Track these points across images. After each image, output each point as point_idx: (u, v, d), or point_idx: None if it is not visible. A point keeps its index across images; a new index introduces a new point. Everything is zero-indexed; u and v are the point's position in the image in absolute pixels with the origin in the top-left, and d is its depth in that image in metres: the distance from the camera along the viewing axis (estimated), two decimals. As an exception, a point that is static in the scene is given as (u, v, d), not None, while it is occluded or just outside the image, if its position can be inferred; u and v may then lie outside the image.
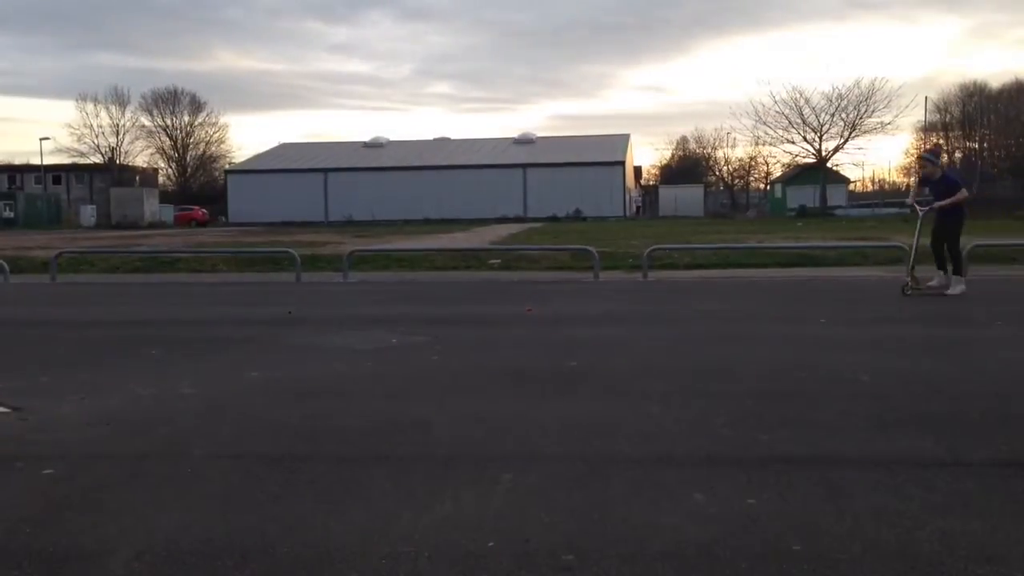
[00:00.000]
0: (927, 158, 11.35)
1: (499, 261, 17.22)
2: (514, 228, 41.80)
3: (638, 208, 72.90)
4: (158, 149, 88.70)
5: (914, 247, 10.74)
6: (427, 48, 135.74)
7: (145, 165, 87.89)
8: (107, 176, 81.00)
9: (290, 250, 16.50)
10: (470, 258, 17.66)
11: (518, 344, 7.47)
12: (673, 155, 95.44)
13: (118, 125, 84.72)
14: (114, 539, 2.98)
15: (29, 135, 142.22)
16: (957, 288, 10.58)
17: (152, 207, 65.23)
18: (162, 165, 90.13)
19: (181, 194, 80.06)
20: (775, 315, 9.15)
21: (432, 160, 69.03)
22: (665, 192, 74.27)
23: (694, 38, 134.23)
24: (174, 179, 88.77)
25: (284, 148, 77.27)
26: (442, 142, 76.29)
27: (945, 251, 10.79)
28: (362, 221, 59.45)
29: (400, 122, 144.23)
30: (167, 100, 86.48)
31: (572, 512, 3.21)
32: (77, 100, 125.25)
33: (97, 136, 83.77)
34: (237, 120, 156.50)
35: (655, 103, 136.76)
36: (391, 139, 77.54)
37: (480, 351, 7.11)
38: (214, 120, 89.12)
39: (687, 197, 70.58)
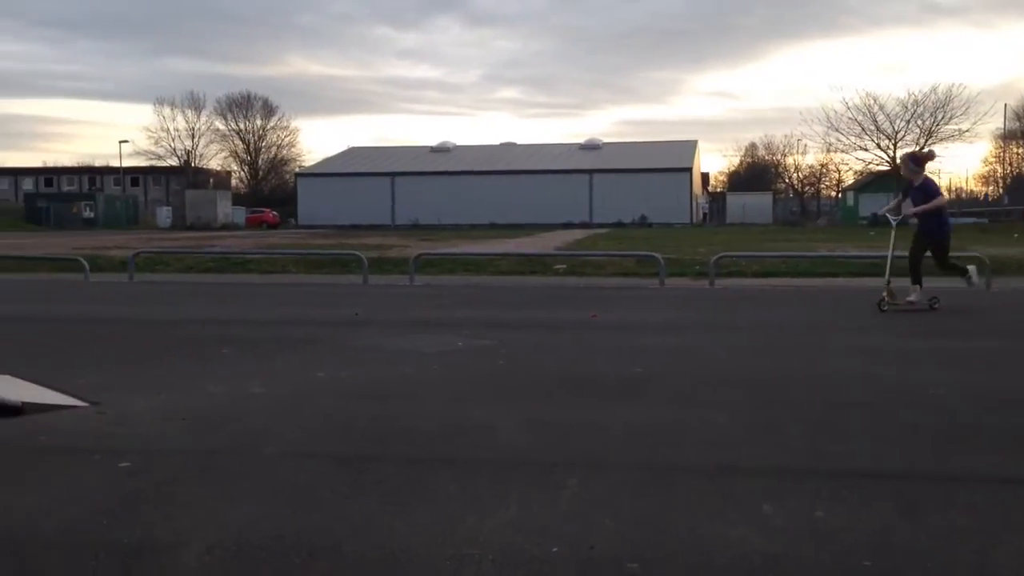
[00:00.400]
0: (915, 158, 10.28)
1: (564, 266, 17.20)
2: (579, 234, 41.73)
3: (705, 215, 72.22)
4: (231, 152, 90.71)
5: (889, 259, 10.05)
6: (494, 53, 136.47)
7: (219, 168, 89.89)
8: (182, 178, 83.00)
9: (358, 253, 16.71)
10: (535, 263, 17.67)
11: (583, 350, 7.45)
12: (741, 162, 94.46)
13: (194, 129, 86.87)
14: (186, 532, 3.04)
15: (109, 138, 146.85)
16: (912, 296, 9.90)
17: (225, 209, 66.63)
18: (235, 168, 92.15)
19: (253, 196, 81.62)
20: (844, 325, 8.97)
21: (498, 165, 69.30)
22: (733, 199, 73.47)
23: (765, 44, 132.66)
24: (246, 182, 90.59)
25: (353, 152, 78.31)
26: (508, 147, 76.56)
27: (920, 265, 9.95)
28: (428, 225, 59.92)
29: (467, 127, 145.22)
30: (240, 104, 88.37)
31: (637, 520, 3.19)
32: (155, 104, 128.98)
33: (173, 139, 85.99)
34: (307, 124, 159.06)
35: (724, 109, 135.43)
36: (458, 144, 78.06)
37: (545, 356, 7.10)
38: (285, 124, 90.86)
39: (755, 204, 69.74)
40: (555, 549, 2.90)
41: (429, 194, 66.66)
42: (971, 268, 10.17)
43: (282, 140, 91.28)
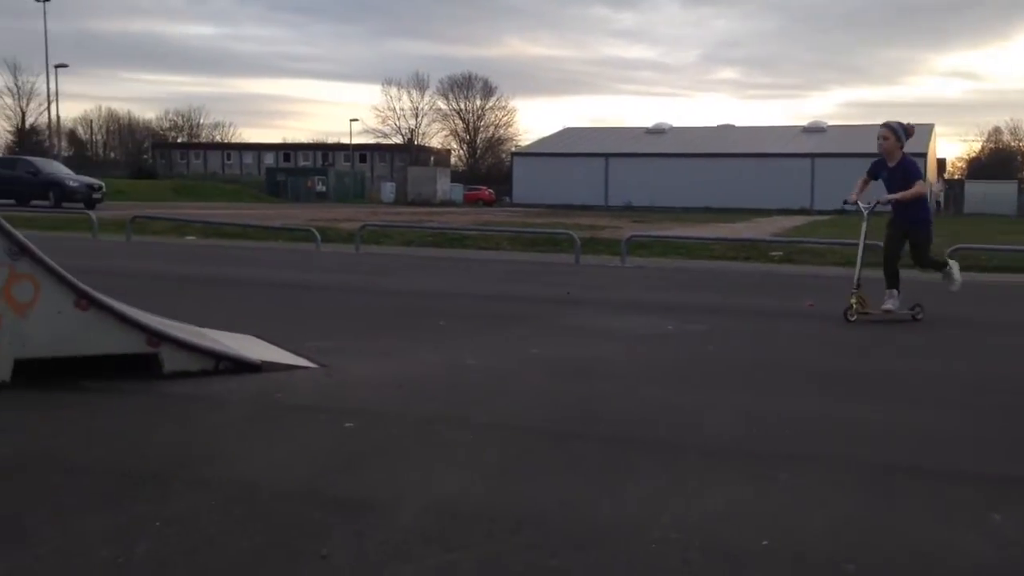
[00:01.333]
0: (892, 128, 8.13)
1: (781, 253, 16.64)
2: (798, 220, 40.19)
3: (939, 204, 67.65)
4: (452, 131, 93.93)
5: (859, 256, 8.22)
6: (713, 33, 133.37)
7: (439, 146, 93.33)
8: (406, 156, 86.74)
9: (570, 232, 16.85)
10: (750, 249, 17.19)
11: (796, 340, 7.20)
12: (983, 147, 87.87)
13: (417, 108, 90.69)
14: (403, 493, 3.20)
15: (341, 117, 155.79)
16: (888, 303, 8.09)
17: (444, 186, 69.06)
18: (454, 146, 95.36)
19: (470, 174, 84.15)
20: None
21: (715, 148, 67.79)
22: (972, 188, 68.43)
23: (1011, 20, 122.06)
24: (465, 160, 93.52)
25: (568, 132, 78.92)
26: (726, 129, 74.70)
27: (898, 264, 8.28)
28: (641, 207, 59.57)
29: (683, 108, 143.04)
30: (462, 85, 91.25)
31: (852, 520, 3.06)
32: (383, 85, 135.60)
33: (399, 118, 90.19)
34: (524, 104, 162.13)
35: (963, 91, 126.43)
36: (673, 125, 76.97)
37: (757, 344, 6.92)
38: (503, 104, 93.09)
39: (997, 194, 64.63)
40: (765, 543, 2.84)
41: (643, 176, 66.21)
42: (953, 264, 8.53)
43: (500, 120, 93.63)
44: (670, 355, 6.34)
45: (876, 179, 8.28)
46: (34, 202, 31.03)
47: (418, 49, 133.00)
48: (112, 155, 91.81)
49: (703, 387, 5.24)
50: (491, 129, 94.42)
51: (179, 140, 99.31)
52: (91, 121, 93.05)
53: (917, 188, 7.93)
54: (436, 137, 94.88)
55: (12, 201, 30.79)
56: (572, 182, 67.37)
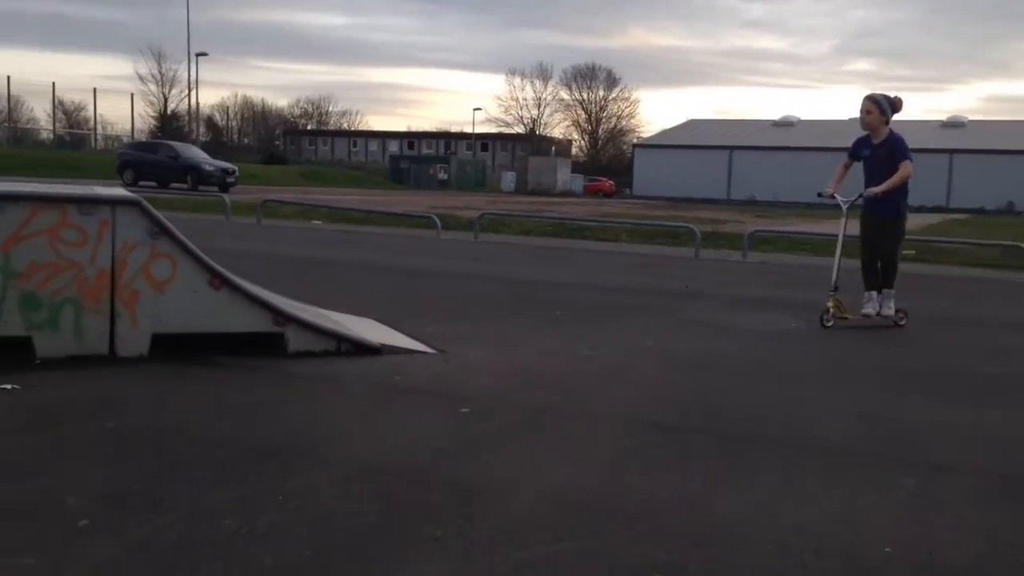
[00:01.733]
0: (876, 100, 7.17)
1: (913, 252, 15.99)
2: (933, 218, 38.52)
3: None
4: (573, 122, 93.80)
5: (837, 255, 7.37)
6: (848, 23, 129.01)
7: (561, 136, 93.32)
8: (527, 145, 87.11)
9: (691, 225, 16.61)
10: (880, 247, 16.56)
11: (928, 342, 6.91)
12: None
13: (540, 98, 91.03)
14: (516, 480, 3.22)
15: (464, 106, 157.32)
16: (891, 306, 7.28)
17: (564, 176, 69.02)
18: (575, 137, 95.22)
19: (591, 165, 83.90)
20: None
21: (845, 142, 64.94)
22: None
23: None
24: (585, 151, 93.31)
25: (692, 124, 77.74)
26: (858, 123, 72.15)
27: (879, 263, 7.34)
28: (765, 201, 58.23)
29: (813, 101, 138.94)
30: (585, 75, 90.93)
31: (983, 531, 2.92)
32: (507, 74, 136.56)
33: (521, 108, 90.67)
34: (647, 95, 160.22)
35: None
36: (802, 118, 74.86)
37: (887, 345, 6.67)
38: (626, 95, 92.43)
39: None
40: (887, 550, 2.73)
41: (768, 169, 64.64)
42: (892, 297, 7.33)
43: (622, 111, 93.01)
44: (791, 353, 6.18)
45: (858, 160, 7.37)
46: (173, 185, 32.49)
47: (543, 39, 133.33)
48: (246, 141, 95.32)
49: (825, 386, 5.09)
50: (613, 120, 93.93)
51: (308, 127, 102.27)
52: (227, 108, 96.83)
53: (903, 171, 6.92)
54: (558, 127, 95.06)
55: (154, 184, 32.34)
56: (694, 175, 66.34)
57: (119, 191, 5.07)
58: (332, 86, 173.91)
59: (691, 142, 70.90)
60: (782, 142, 67.78)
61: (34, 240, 4.49)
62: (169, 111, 78.44)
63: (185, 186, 32.42)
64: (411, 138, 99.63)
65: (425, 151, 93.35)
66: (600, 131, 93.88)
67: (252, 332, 4.99)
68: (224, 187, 32.14)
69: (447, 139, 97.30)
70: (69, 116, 70.33)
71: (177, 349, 4.81)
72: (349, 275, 9.76)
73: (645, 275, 11.26)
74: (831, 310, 7.07)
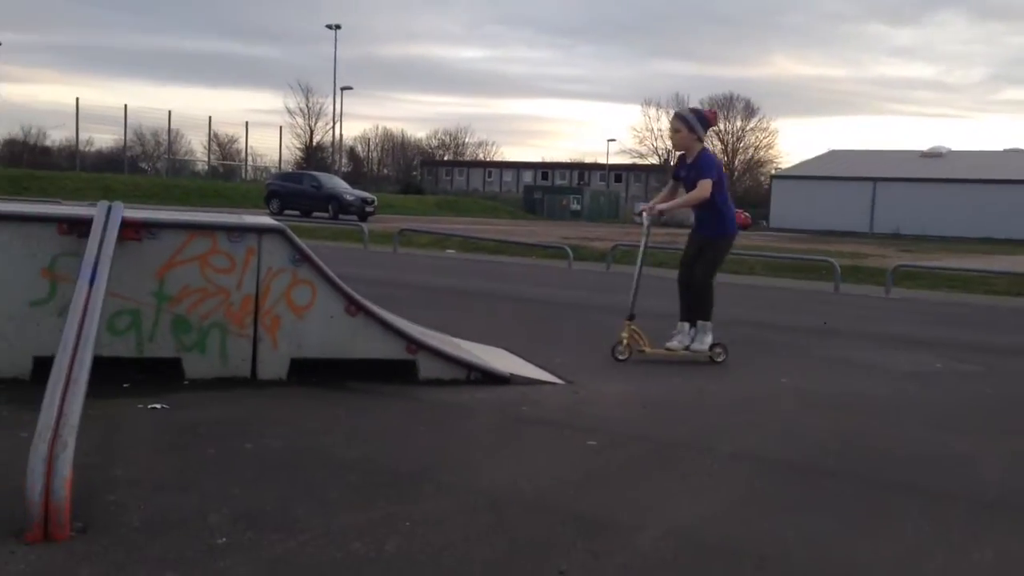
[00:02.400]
0: (684, 117, 6.57)
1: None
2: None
3: None
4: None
5: (635, 280, 6.59)
6: (1003, 50, 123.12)
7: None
8: (661, 176, 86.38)
9: (830, 259, 16.10)
10: (1034, 284, 15.66)
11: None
12: None
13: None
14: (643, 516, 3.17)
15: (598, 137, 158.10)
16: (705, 340, 6.44)
17: (698, 208, 68.00)
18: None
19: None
20: None
21: (999, 174, 62.44)
22: None
23: None
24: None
25: (833, 155, 75.54)
26: (1013, 154, 68.70)
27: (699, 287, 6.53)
28: (910, 235, 55.93)
29: (965, 131, 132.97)
30: (722, 105, 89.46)
31: None
32: (642, 105, 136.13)
33: (656, 139, 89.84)
34: (786, 125, 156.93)
35: None
36: (952, 149, 71.74)
37: (1041, 390, 6.28)
38: (765, 125, 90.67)
39: None
40: (1040, 610, 2.56)
41: (914, 202, 62.07)
42: (709, 331, 6.50)
43: (760, 141, 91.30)
44: (938, 395, 5.89)
45: (679, 179, 6.75)
46: (315, 214, 33.73)
47: (680, 69, 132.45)
48: (385, 171, 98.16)
49: (975, 431, 4.83)
50: (750, 151, 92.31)
51: (445, 158, 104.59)
52: (368, 139, 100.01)
53: (699, 190, 6.30)
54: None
55: (297, 212, 33.68)
56: (835, 207, 64.30)
57: (265, 219, 5.29)
58: (469, 117, 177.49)
59: (832, 173, 68.83)
60: (931, 173, 65.04)
61: (187, 266, 4.73)
62: (314, 143, 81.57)
63: (327, 215, 33.61)
64: (545, 168, 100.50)
65: (558, 181, 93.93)
66: (737, 162, 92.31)
67: (384, 359, 5.11)
68: (363, 216, 33.16)
69: (580, 170, 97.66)
70: (223, 148, 74.03)
71: (312, 373, 4.97)
72: (480, 304, 9.89)
73: (781, 310, 10.97)
74: (625, 341, 6.28)
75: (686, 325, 6.56)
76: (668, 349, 6.46)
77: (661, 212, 6.55)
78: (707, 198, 6.31)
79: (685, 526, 3.10)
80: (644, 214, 6.63)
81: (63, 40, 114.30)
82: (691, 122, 6.51)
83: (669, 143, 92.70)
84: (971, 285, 15.71)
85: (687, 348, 6.43)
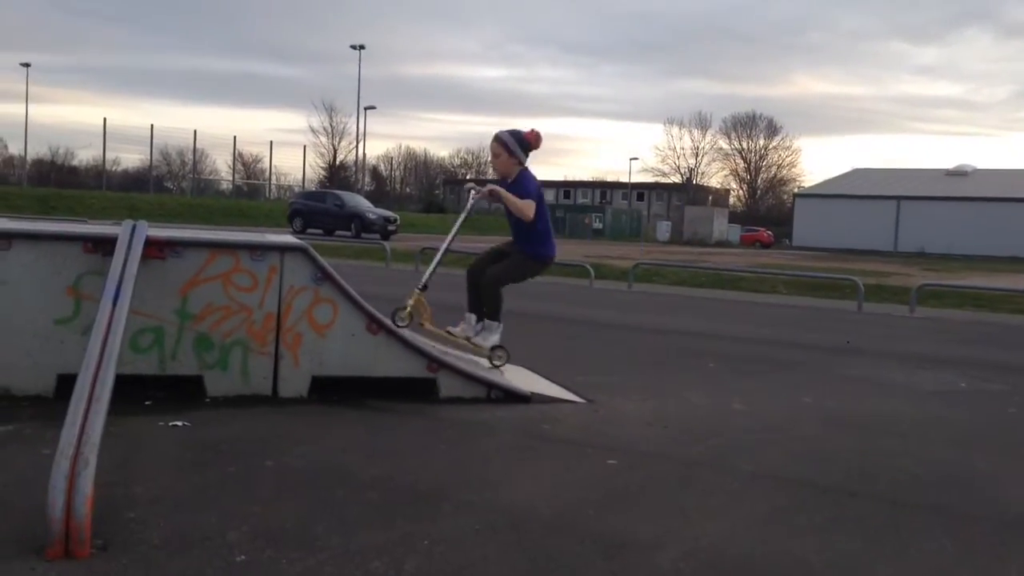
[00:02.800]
0: (502, 140, 6.08)
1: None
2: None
3: None
4: (731, 171, 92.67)
5: (441, 251, 6.18)
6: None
7: (718, 186, 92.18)
8: (683, 195, 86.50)
9: (853, 278, 16.00)
10: (1064, 303, 15.48)
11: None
12: None
13: (698, 148, 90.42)
14: (663, 535, 3.15)
15: (621, 155, 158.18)
16: (490, 339, 5.97)
17: (720, 226, 68.02)
18: (733, 186, 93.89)
19: (748, 215, 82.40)
20: None
21: (1024, 192, 61.94)
22: None
23: None
24: (743, 200, 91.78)
25: (856, 174, 75.15)
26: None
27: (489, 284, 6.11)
28: (934, 254, 55.50)
29: (990, 149, 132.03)
30: (745, 124, 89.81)
31: None
32: (664, 124, 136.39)
33: (678, 157, 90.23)
34: (809, 144, 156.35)
35: None
36: (978, 167, 71.22)
37: (1069, 410, 6.19)
38: (788, 144, 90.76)
39: None
40: (1067, 634, 2.52)
41: (939, 221, 61.60)
42: (498, 330, 6.04)
43: (783, 160, 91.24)
44: (962, 415, 5.83)
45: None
46: (338, 232, 33.92)
47: (702, 88, 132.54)
48: (408, 190, 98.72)
49: (1000, 451, 4.77)
50: (773, 169, 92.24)
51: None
52: (391, 158, 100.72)
53: (527, 206, 5.91)
54: (715, 177, 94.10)
55: (320, 231, 33.88)
56: (858, 225, 63.93)
57: (287, 238, 5.33)
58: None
59: (856, 191, 68.47)
60: (956, 192, 64.55)
61: (210, 284, 4.77)
62: (337, 162, 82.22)
63: (349, 234, 33.78)
64: (567, 187, 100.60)
65: (580, 200, 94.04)
66: (759, 180, 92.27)
67: (405, 377, 5.12)
68: (385, 235, 33.33)
69: (603, 188, 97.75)
70: (247, 167, 74.78)
71: (333, 391, 4.98)
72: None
73: (804, 329, 10.90)
74: (408, 309, 5.80)
75: (473, 317, 6.16)
76: (449, 332, 6.05)
77: (492, 192, 6.06)
78: (530, 217, 5.95)
79: (705, 546, 3.08)
80: (472, 192, 6.30)
81: (93, 61, 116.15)
82: (511, 146, 6.11)
83: (691, 162, 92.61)
84: (996, 304, 15.55)
85: (468, 339, 6.05)
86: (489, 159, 6.35)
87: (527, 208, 5.94)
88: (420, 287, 5.97)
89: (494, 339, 6.04)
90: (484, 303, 6.17)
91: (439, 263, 6.13)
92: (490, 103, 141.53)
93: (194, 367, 4.76)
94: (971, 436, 5.17)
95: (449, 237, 6.25)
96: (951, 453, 4.69)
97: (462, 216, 6.26)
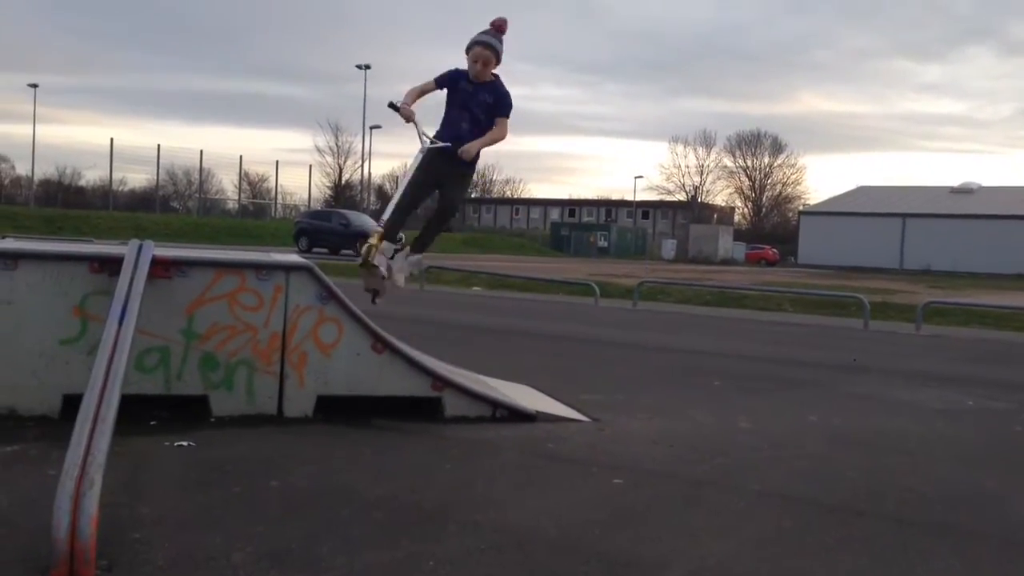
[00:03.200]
0: (498, 49, 5.46)
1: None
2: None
3: None
4: (736, 189, 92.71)
5: (401, 194, 5.58)
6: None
7: (723, 204, 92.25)
8: (688, 213, 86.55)
9: (859, 296, 15.98)
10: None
11: None
12: None
13: (703, 165, 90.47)
14: (668, 555, 3.14)
15: (625, 173, 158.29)
16: (411, 266, 5.78)
17: (726, 244, 68.01)
18: (738, 204, 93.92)
19: (753, 233, 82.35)
20: None
21: (1030, 209, 61.88)
22: None
23: None
24: (748, 218, 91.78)
25: (861, 191, 75.19)
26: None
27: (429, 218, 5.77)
28: (940, 272, 55.40)
29: (995, 167, 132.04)
30: (750, 142, 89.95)
31: None
32: (669, 142, 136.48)
33: (683, 175, 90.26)
34: (814, 161, 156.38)
35: None
36: (983, 185, 71.21)
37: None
38: (792, 162, 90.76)
39: None
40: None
41: (945, 238, 61.52)
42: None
43: (787, 178, 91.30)
44: (968, 433, 5.81)
45: (442, 88, 5.66)
46: (343, 251, 33.97)
47: (707, 106, 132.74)
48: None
49: (1008, 471, 4.75)
50: (778, 187, 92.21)
51: (473, 195, 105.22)
52: (396, 177, 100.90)
53: (501, 131, 5.44)
54: (720, 195, 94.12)
55: (326, 250, 33.93)
56: (864, 243, 63.89)
57: (292, 257, 5.34)
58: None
59: (860, 209, 68.49)
60: (962, 209, 64.54)
61: (215, 304, 4.78)
62: (343, 181, 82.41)
63: (355, 253, 33.81)
64: (572, 206, 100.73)
65: (586, 218, 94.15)
66: (764, 198, 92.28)
67: (410, 396, 5.12)
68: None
69: (608, 207, 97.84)
70: (253, 187, 74.97)
71: (338, 410, 4.98)
72: (507, 341, 9.89)
73: (809, 347, 10.88)
74: (374, 245, 5.47)
75: (393, 247, 5.69)
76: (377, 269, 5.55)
77: (466, 153, 5.48)
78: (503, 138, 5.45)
79: (712, 565, 3.07)
80: (427, 142, 5.60)
81: (100, 82, 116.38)
82: (500, 53, 5.48)
83: (696, 180, 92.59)
84: (1002, 322, 15.51)
85: (385, 277, 5.68)
86: (475, 65, 5.47)
87: (501, 132, 5.49)
88: (385, 230, 5.54)
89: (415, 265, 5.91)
90: (429, 232, 5.90)
91: (396, 214, 5.56)
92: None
93: (199, 387, 4.77)
94: (978, 454, 5.15)
95: (407, 181, 5.65)
96: (958, 471, 4.67)
97: (419, 162, 5.58)
